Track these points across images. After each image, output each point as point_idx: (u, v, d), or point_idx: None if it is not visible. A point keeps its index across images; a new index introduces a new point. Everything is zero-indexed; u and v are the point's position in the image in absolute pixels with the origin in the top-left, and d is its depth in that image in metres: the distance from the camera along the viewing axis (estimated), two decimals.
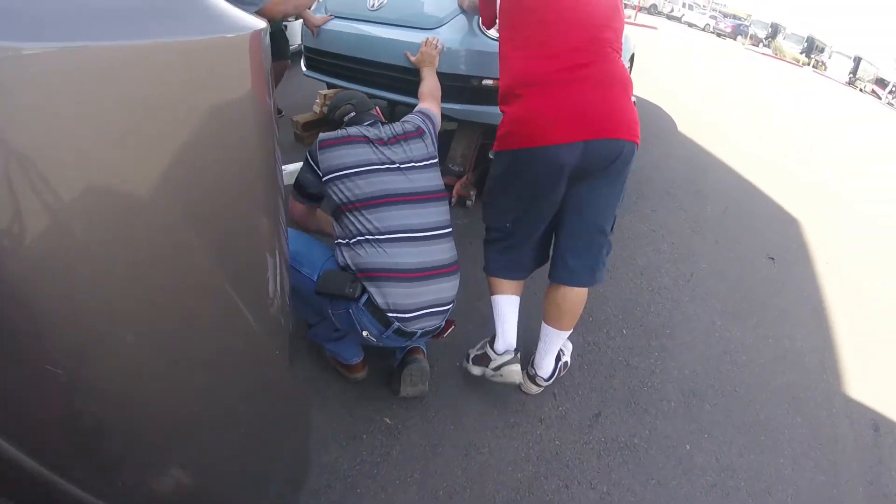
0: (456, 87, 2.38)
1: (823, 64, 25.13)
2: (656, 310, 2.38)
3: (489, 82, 2.40)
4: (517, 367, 1.66)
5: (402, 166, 1.54)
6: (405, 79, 2.46)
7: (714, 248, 3.04)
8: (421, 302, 1.46)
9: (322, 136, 1.54)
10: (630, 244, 2.90)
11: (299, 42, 3.32)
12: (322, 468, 1.49)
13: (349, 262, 1.44)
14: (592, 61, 1.47)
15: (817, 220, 3.85)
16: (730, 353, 2.19)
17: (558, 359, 1.82)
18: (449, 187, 2.88)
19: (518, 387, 1.80)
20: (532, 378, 1.77)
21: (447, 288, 1.53)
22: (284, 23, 3.80)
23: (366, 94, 2.62)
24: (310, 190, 1.57)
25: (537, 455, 1.60)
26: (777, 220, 3.74)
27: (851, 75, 22.09)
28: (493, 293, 1.76)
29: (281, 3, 2.25)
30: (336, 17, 2.72)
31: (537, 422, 1.71)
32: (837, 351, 2.39)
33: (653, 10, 31.46)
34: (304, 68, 3.06)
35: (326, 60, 2.79)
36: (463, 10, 2.34)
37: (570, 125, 1.45)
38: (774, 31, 29.95)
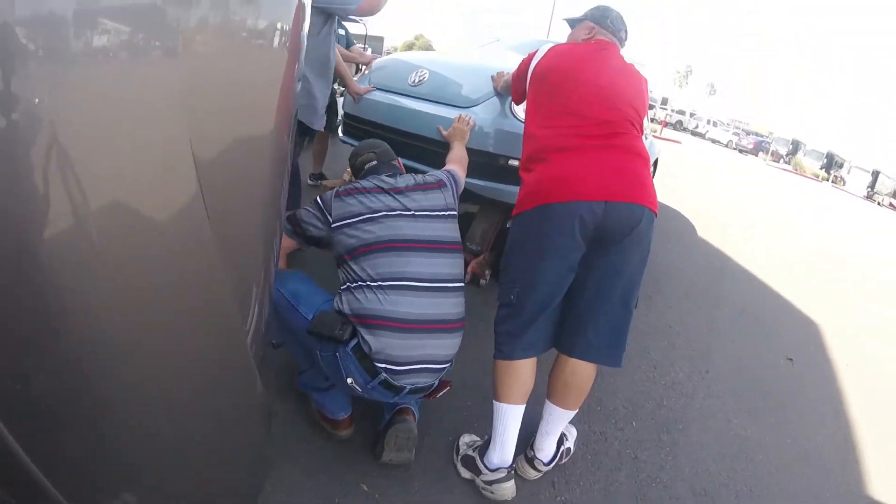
0: (482, 163, 2.47)
1: (842, 179, 25.33)
2: (669, 404, 2.24)
3: (515, 162, 2.49)
4: (511, 485, 1.52)
5: (416, 213, 1.52)
6: (436, 151, 2.54)
7: (731, 346, 2.92)
8: (415, 356, 1.40)
9: (339, 188, 1.56)
10: (644, 337, 2.80)
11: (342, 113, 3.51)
12: None
13: (345, 307, 1.40)
14: (620, 133, 1.51)
15: (836, 323, 3.70)
16: (746, 452, 2.01)
17: (560, 443, 1.69)
18: (464, 265, 2.91)
19: (513, 470, 1.67)
20: (530, 461, 1.64)
21: (447, 345, 1.47)
22: (339, 91, 4.05)
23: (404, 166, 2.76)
24: (309, 232, 1.54)
25: None
26: (795, 322, 3.61)
27: (869, 189, 22.10)
28: (497, 398, 1.57)
29: None
30: (378, 88, 2.90)
31: None
32: (860, 452, 2.20)
33: (678, 126, 33.03)
34: (340, 134, 3.22)
35: (363, 128, 2.92)
36: (497, 93, 2.48)
37: (593, 183, 1.44)
38: (795, 147, 30.82)
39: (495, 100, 2.49)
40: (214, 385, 0.80)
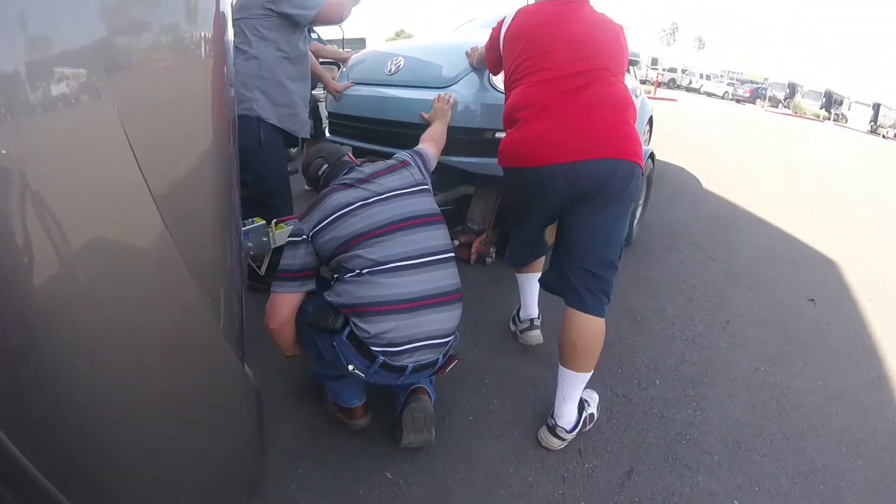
0: (469, 139, 2.43)
1: (844, 116, 24.67)
2: (692, 358, 2.17)
3: (501, 135, 2.43)
4: (536, 332, 2.09)
5: (386, 195, 1.48)
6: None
7: (749, 294, 2.82)
8: (412, 334, 1.37)
9: (301, 214, 1.50)
10: (660, 294, 2.73)
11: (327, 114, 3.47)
12: None
13: (335, 301, 1.39)
14: (589, 83, 1.47)
15: (856, 259, 3.58)
16: (776, 399, 1.93)
17: (582, 409, 1.63)
18: (468, 245, 2.85)
19: (538, 442, 1.62)
20: (552, 429, 1.58)
21: (444, 318, 1.43)
22: (319, 96, 3.97)
23: (387, 154, 2.70)
24: (302, 267, 1.44)
25: None
26: (814, 262, 3.49)
27: (872, 123, 21.48)
28: (517, 272, 2.07)
29: (337, 5, 2.22)
30: (356, 83, 2.86)
31: (560, 480, 1.50)
32: (895, 386, 2.11)
33: (671, 84, 32.39)
34: (327, 133, 3.19)
35: (348, 124, 2.90)
36: (474, 68, 2.42)
37: (559, 146, 1.45)
38: (792, 90, 30.07)
39: (473, 75, 2.43)
40: (185, 379, 0.79)
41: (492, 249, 2.87)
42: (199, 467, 0.86)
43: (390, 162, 1.62)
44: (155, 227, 0.67)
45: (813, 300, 2.81)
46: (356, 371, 1.40)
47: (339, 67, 3.84)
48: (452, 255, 1.52)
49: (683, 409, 1.83)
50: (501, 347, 2.13)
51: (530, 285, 2.05)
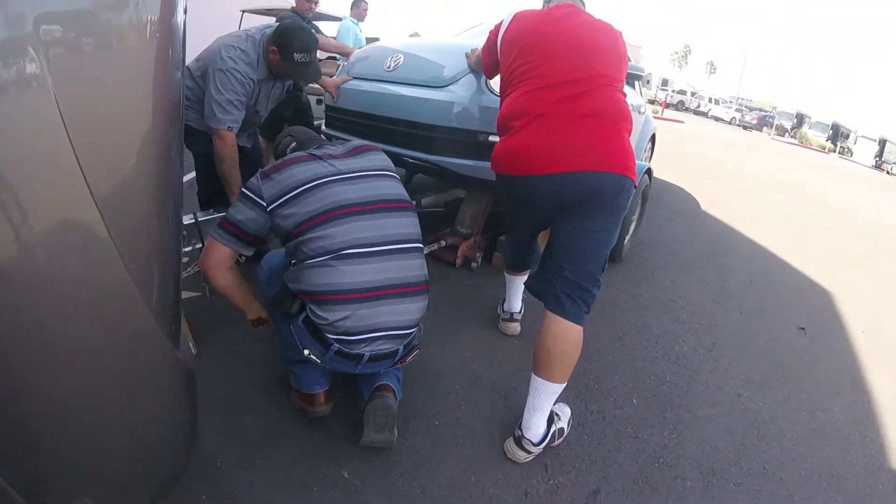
0: (464, 142, 2.38)
1: (849, 150, 24.34)
2: (673, 380, 2.08)
3: (495, 138, 2.37)
4: (515, 325, 2.19)
5: (351, 175, 1.40)
6: (417, 134, 2.47)
7: (739, 318, 2.72)
8: (371, 325, 1.29)
9: (264, 168, 1.42)
10: (646, 313, 2.63)
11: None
12: None
13: (293, 286, 1.32)
14: (584, 93, 1.42)
15: (851, 291, 3.47)
16: (757, 427, 1.83)
17: (551, 422, 1.54)
18: (454, 248, 2.77)
19: (503, 453, 1.53)
20: (518, 441, 1.49)
21: (408, 310, 1.35)
22: (317, 92, 3.92)
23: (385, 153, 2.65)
24: (247, 228, 1.37)
25: None
26: (807, 291, 3.38)
27: (877, 158, 21.21)
28: (505, 270, 2.12)
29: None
30: (355, 77, 2.80)
31: (522, 495, 1.41)
32: (881, 422, 2.01)
33: (680, 106, 32.26)
34: (323, 127, 3.12)
35: (343, 118, 2.85)
36: (472, 70, 2.35)
37: (550, 158, 1.41)
38: (799, 120, 29.80)
39: (470, 77, 2.37)
40: (108, 358, 0.76)
41: (478, 255, 2.79)
42: (115, 445, 0.82)
43: (359, 143, 1.56)
44: (86, 208, 0.65)
45: (803, 329, 2.71)
46: (312, 356, 1.34)
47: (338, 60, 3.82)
48: (420, 245, 1.44)
49: (659, 431, 1.74)
50: (476, 353, 2.05)
51: (515, 284, 2.10)
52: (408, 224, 1.44)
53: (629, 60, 1.64)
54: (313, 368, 1.50)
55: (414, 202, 2.90)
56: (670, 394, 1.97)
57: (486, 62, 1.85)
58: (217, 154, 2.17)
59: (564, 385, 1.48)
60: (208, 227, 2.03)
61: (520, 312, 2.21)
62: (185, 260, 2.21)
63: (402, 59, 2.61)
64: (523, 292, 2.06)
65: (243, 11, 5.69)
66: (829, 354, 2.52)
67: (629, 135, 1.50)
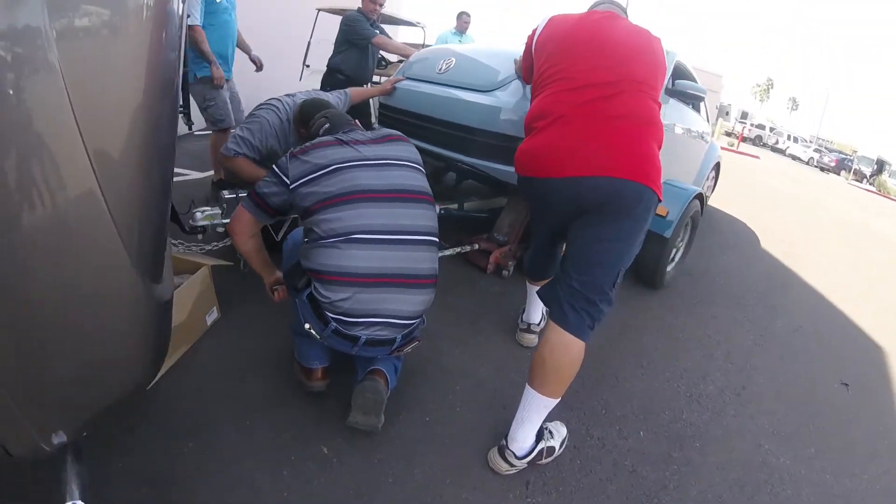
0: (507, 147, 2.28)
1: None
2: (690, 418, 1.88)
3: None
4: (532, 336, 2.06)
5: (374, 162, 1.38)
6: (462, 137, 2.44)
7: (778, 363, 2.43)
8: (370, 309, 1.27)
9: (293, 149, 1.44)
10: (677, 345, 2.42)
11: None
12: (237, 470, 1.31)
13: (303, 263, 1.33)
14: (611, 96, 1.33)
15: None
16: (772, 484, 1.61)
17: (540, 438, 1.44)
18: (487, 253, 2.69)
19: (485, 461, 1.44)
20: (501, 451, 1.40)
21: (411, 301, 1.32)
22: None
23: (427, 153, 2.63)
24: (271, 202, 1.41)
25: None
26: (858, 345, 2.96)
27: None
28: (527, 280, 2.01)
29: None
30: (409, 78, 2.82)
31: None
32: None
33: (757, 142, 30.04)
34: (375, 123, 3.15)
35: (392, 116, 2.86)
36: (519, 76, 2.27)
37: (568, 160, 1.32)
38: (880, 167, 26.60)
39: (517, 83, 2.30)
40: (90, 289, 0.83)
41: (511, 263, 2.69)
42: (93, 352, 0.90)
43: (389, 132, 1.54)
44: (82, 171, 0.73)
45: (846, 384, 2.37)
46: (311, 331, 1.35)
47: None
48: (434, 239, 1.40)
49: (661, 470, 1.58)
50: (487, 359, 1.96)
51: (532, 290, 2.00)
52: (423, 216, 1.40)
53: (666, 69, 1.52)
54: (315, 344, 1.50)
55: (456, 204, 2.89)
56: (683, 432, 1.79)
57: (523, 67, 1.79)
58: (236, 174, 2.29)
59: (557, 401, 1.37)
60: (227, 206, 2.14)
61: (539, 324, 2.08)
62: (221, 230, 2.28)
63: (453, 63, 2.60)
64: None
65: (318, 10, 5.83)
66: (870, 416, 2.18)
67: (658, 145, 1.38)
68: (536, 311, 2.06)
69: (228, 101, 3.09)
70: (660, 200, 1.37)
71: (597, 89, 1.34)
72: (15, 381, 0.78)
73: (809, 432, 1.93)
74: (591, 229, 1.36)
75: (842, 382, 2.38)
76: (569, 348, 1.32)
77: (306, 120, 1.81)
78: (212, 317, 1.91)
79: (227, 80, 3.10)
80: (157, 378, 1.53)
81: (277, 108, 2.24)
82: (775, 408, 2.05)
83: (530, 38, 1.65)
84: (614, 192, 1.30)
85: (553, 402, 1.37)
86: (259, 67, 3.55)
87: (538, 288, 1.70)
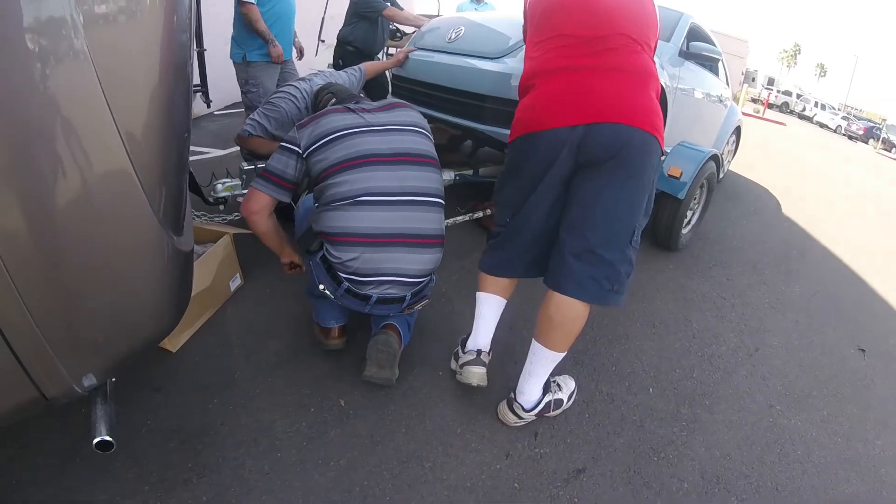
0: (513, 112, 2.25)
1: None
2: (700, 377, 1.86)
3: None
4: (478, 370, 1.46)
5: (379, 127, 1.38)
6: (473, 104, 2.40)
7: (793, 327, 2.37)
8: (381, 268, 1.29)
9: (299, 122, 1.43)
10: (690, 305, 2.37)
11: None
12: (258, 423, 1.35)
13: (315, 226, 1.34)
14: (609, 49, 1.28)
15: None
16: (781, 444, 1.57)
17: (547, 391, 1.44)
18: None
19: (495, 413, 1.46)
20: (510, 404, 1.41)
21: (418, 260, 1.33)
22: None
23: (441, 122, 2.60)
24: (286, 176, 1.38)
25: (485, 491, 1.24)
26: (877, 311, 2.84)
27: None
28: (478, 289, 1.53)
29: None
30: (419, 48, 2.78)
31: (502, 455, 1.34)
32: None
33: (784, 109, 28.59)
34: (389, 95, 3.13)
35: (405, 86, 2.83)
36: None
37: (572, 108, 1.25)
38: None
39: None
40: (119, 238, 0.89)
41: None
42: (121, 296, 0.94)
43: (393, 100, 1.53)
44: (114, 142, 0.80)
45: (863, 350, 2.28)
46: (326, 291, 1.37)
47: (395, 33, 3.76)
48: (440, 200, 1.40)
49: (669, 426, 1.57)
50: (499, 319, 1.96)
51: (491, 309, 1.52)
52: (428, 178, 1.40)
53: (658, 26, 1.44)
54: (331, 304, 1.53)
55: (471, 170, 2.86)
56: (693, 390, 1.77)
57: (524, 30, 1.70)
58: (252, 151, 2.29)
59: (563, 354, 1.37)
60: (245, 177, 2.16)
61: (488, 353, 1.54)
62: (241, 200, 2.33)
63: (462, 31, 2.55)
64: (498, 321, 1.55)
65: None
66: (886, 382, 2.10)
67: (657, 96, 1.33)
68: (488, 333, 1.54)
69: (273, 88, 2.98)
70: (663, 152, 1.33)
71: (591, 44, 1.29)
72: (52, 326, 0.81)
73: (823, 396, 1.88)
74: (599, 184, 1.27)
75: (858, 348, 2.31)
76: (575, 304, 1.29)
77: (317, 101, 1.80)
78: (235, 283, 1.96)
79: (286, 61, 3.01)
80: (184, 341, 1.60)
81: (295, 97, 2.21)
82: (788, 370, 2.01)
83: (525, 1, 1.59)
84: (623, 139, 1.23)
85: (559, 356, 1.36)
86: (300, 55, 3.49)
87: (503, 303, 1.52)
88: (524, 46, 2.19)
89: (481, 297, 1.51)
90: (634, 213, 1.29)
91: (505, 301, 1.52)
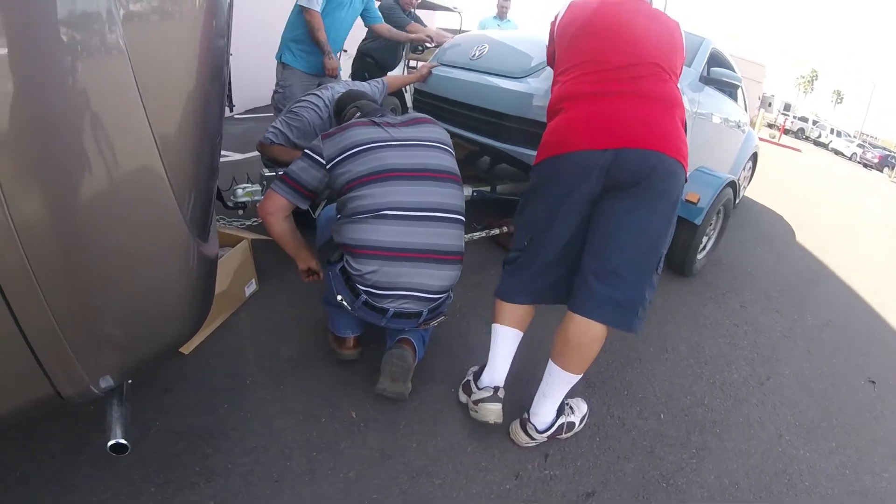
0: (538, 133, 2.25)
1: None
2: (711, 404, 1.84)
3: None
4: (495, 407, 1.39)
5: (403, 142, 1.40)
6: (494, 122, 2.42)
7: (805, 357, 2.34)
8: (398, 283, 1.30)
9: (325, 132, 1.45)
10: (703, 332, 2.36)
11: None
12: (269, 430, 1.35)
13: (336, 237, 1.36)
14: (639, 77, 1.30)
15: None
16: (790, 475, 1.56)
17: (561, 413, 1.44)
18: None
19: (507, 432, 1.46)
20: (523, 424, 1.41)
21: (437, 276, 1.34)
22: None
23: (460, 138, 2.62)
24: (306, 184, 1.40)
25: None
26: (888, 343, 2.80)
27: None
28: (493, 320, 1.50)
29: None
30: (443, 64, 2.80)
31: (512, 476, 1.33)
32: None
33: (799, 135, 28.47)
34: (410, 109, 3.16)
35: (427, 101, 2.86)
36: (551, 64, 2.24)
37: (601, 132, 1.27)
38: None
39: (549, 70, 2.24)
40: (147, 243, 0.90)
41: None
42: (147, 297, 0.94)
43: (420, 115, 1.55)
44: (146, 140, 0.79)
45: (873, 382, 2.26)
46: (343, 302, 1.38)
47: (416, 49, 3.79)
48: (461, 217, 1.42)
49: (678, 452, 1.56)
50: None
51: (507, 343, 1.48)
52: (450, 195, 1.41)
53: (684, 54, 1.47)
54: (347, 314, 1.53)
55: (489, 187, 2.88)
56: (703, 418, 1.76)
57: (549, 53, 1.74)
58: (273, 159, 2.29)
59: (580, 377, 1.37)
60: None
61: (503, 390, 1.46)
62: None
63: (486, 49, 2.57)
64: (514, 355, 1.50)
65: None
66: (895, 415, 2.08)
67: (682, 124, 1.35)
68: (504, 368, 1.49)
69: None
70: (686, 181, 1.33)
71: (621, 71, 1.32)
72: (74, 326, 0.80)
73: (832, 427, 1.86)
74: (626, 204, 1.27)
75: (869, 380, 2.28)
76: (593, 326, 1.29)
77: (340, 111, 1.82)
78: (250, 288, 1.98)
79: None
80: (196, 343, 1.61)
81: (318, 107, 2.22)
82: (799, 400, 1.99)
83: (552, 24, 1.61)
84: (651, 165, 1.24)
85: (575, 379, 1.36)
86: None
87: (519, 335, 1.48)
88: (548, 67, 2.25)
89: (497, 329, 1.48)
90: (661, 239, 1.29)
91: (521, 334, 1.50)
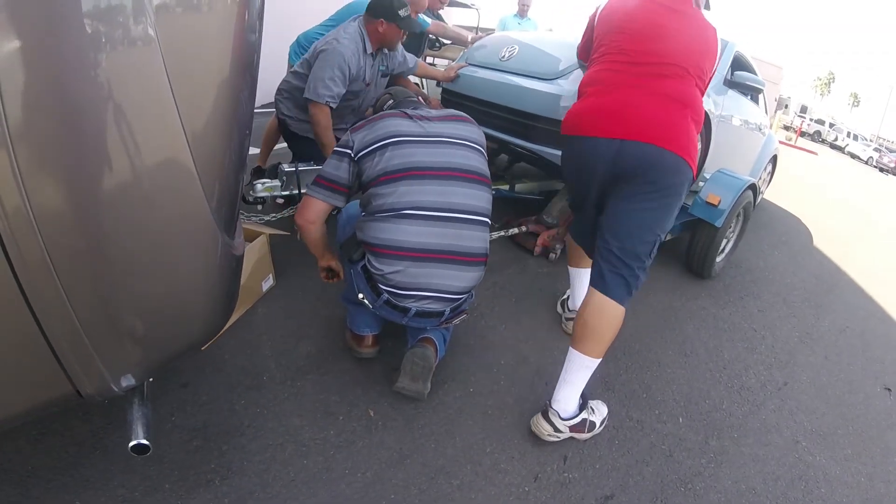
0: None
1: None
2: (729, 409, 1.82)
3: None
4: None
5: (433, 139, 1.37)
6: (523, 123, 2.42)
7: (821, 362, 2.30)
8: (421, 283, 1.29)
9: (354, 125, 1.44)
10: (721, 336, 2.33)
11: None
12: (285, 428, 1.35)
13: (359, 235, 1.34)
14: (660, 75, 1.36)
15: None
16: (806, 481, 1.54)
17: (584, 406, 1.45)
18: (535, 235, 2.66)
19: (527, 433, 1.45)
20: (545, 413, 1.41)
21: (460, 277, 1.32)
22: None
23: (487, 138, 2.60)
24: (338, 180, 1.37)
25: None
26: None
27: None
28: (568, 263, 1.96)
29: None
30: (471, 64, 2.79)
31: (531, 478, 1.33)
32: None
33: (816, 137, 28.01)
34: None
35: (455, 101, 2.83)
36: (582, 65, 2.22)
37: (611, 122, 1.36)
38: None
39: (578, 72, 2.23)
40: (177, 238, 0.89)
41: (558, 246, 2.65)
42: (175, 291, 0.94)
43: (454, 111, 1.53)
44: (176, 133, 0.78)
45: (889, 389, 2.22)
46: (364, 300, 1.38)
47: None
48: (486, 219, 1.40)
49: (697, 457, 1.54)
50: (531, 337, 1.96)
51: (580, 279, 1.89)
52: (477, 196, 1.39)
53: (716, 58, 1.50)
54: (366, 312, 1.53)
55: (507, 185, 2.86)
56: (722, 422, 1.73)
57: (581, 43, 1.75)
58: (312, 119, 2.16)
59: (598, 361, 1.39)
60: (305, 177, 2.13)
61: None
62: (280, 201, 2.34)
63: (516, 51, 2.57)
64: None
65: None
66: None
67: (697, 128, 1.41)
68: (581, 297, 1.81)
69: None
70: (694, 178, 1.40)
71: (648, 67, 1.38)
72: (96, 325, 0.78)
73: (848, 434, 1.84)
74: (628, 197, 1.38)
75: (885, 387, 2.24)
76: (607, 310, 1.37)
77: (388, 9, 1.86)
78: (267, 283, 1.98)
79: None
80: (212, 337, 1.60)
81: (351, 36, 2.11)
82: (816, 406, 1.96)
83: (593, 15, 1.64)
84: (655, 160, 1.33)
85: (594, 363, 1.39)
86: None
87: (589, 272, 1.62)
88: (577, 69, 2.25)
89: (572, 271, 1.94)
90: (658, 229, 1.40)
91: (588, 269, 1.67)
